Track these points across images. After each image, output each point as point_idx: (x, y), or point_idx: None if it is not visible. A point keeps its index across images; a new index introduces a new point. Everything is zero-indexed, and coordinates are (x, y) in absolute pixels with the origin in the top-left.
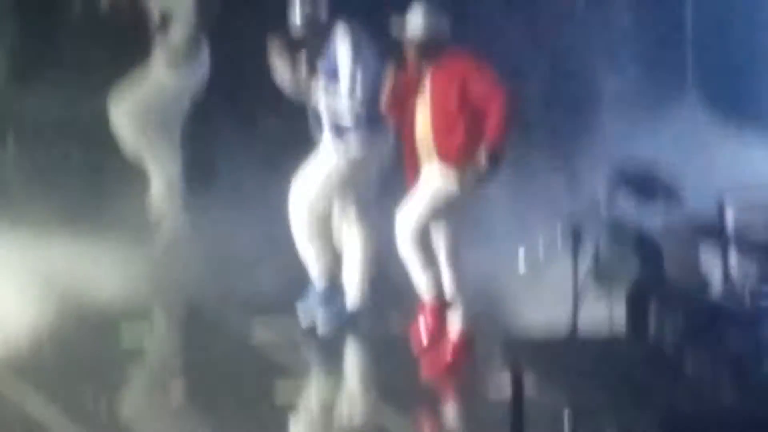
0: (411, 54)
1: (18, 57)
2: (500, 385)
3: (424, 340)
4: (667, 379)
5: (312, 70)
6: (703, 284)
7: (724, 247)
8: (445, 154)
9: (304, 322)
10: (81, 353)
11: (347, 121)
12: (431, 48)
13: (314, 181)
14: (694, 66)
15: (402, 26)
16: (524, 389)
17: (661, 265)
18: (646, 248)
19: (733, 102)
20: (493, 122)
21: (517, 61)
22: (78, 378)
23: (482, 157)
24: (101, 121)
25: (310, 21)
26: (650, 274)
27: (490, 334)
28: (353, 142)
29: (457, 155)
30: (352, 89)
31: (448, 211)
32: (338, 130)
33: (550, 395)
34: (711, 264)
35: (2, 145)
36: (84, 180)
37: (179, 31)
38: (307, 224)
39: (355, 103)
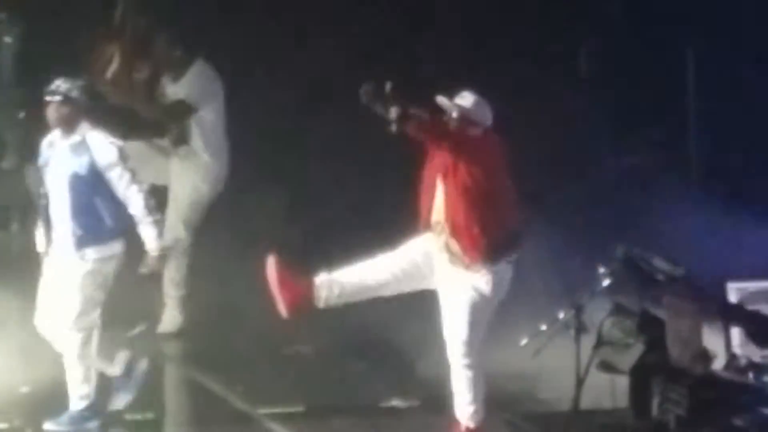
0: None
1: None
2: None
3: None
4: None
5: None
6: (706, 360)
7: (726, 323)
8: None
9: None
10: None
11: None
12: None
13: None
14: (699, 151)
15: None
16: None
17: (663, 341)
18: (650, 325)
19: (736, 189)
20: None
21: (524, 139)
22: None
23: None
24: None
25: None
26: (653, 350)
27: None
28: None
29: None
30: None
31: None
32: None
33: None
34: (714, 340)
35: None
36: None
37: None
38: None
39: None
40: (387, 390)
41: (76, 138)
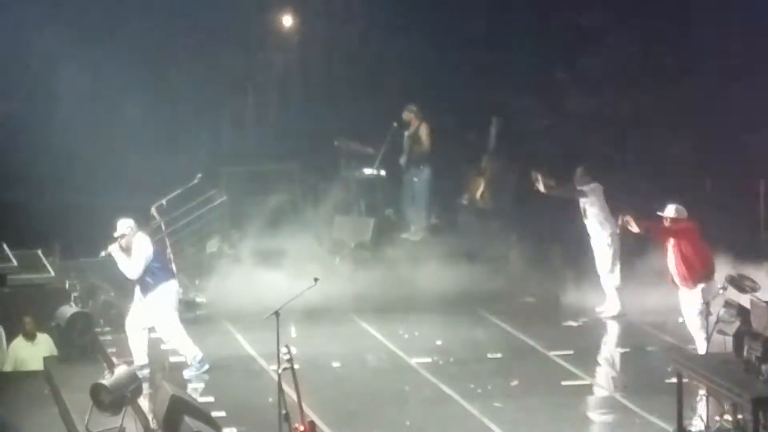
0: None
1: None
2: None
3: None
4: None
5: None
6: None
7: None
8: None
9: None
10: None
11: None
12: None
13: None
14: None
15: None
16: None
17: (749, 320)
18: (742, 311)
19: None
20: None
21: None
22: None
23: None
24: None
25: None
26: (744, 323)
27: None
28: None
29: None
30: None
31: None
32: None
33: None
34: None
35: None
36: None
37: None
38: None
39: None
40: None
41: None
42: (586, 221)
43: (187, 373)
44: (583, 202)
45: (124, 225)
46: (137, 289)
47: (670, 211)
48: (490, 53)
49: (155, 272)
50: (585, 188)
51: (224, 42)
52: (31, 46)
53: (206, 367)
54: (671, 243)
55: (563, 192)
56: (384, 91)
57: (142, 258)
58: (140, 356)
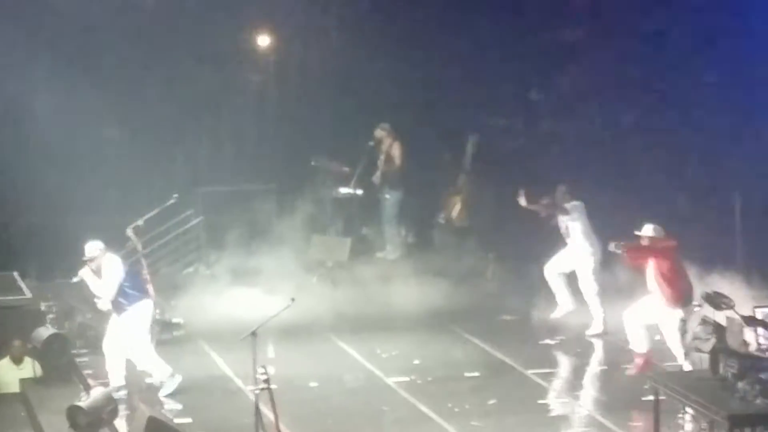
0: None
1: None
2: None
3: None
4: None
5: None
6: (745, 346)
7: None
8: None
9: None
10: None
11: None
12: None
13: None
14: None
15: None
16: None
17: (725, 337)
18: (718, 329)
19: None
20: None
21: None
22: None
23: None
24: None
25: None
26: (720, 341)
27: None
28: None
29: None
30: None
31: None
32: None
33: None
34: (749, 336)
35: None
36: None
37: None
38: None
39: None
40: None
41: None
42: (568, 240)
43: (162, 393)
44: (565, 221)
45: (93, 248)
46: (112, 310)
47: (647, 230)
48: (467, 71)
49: (128, 293)
50: (567, 206)
51: (200, 62)
52: (5, 69)
53: (179, 378)
54: (650, 264)
55: (545, 208)
56: (360, 110)
57: (114, 279)
58: (117, 378)
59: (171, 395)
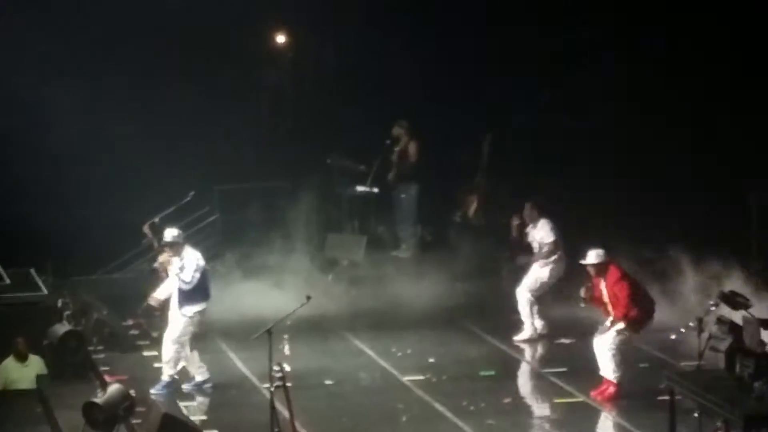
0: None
1: None
2: None
3: None
4: None
5: None
6: (762, 345)
7: None
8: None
9: None
10: None
11: None
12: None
13: None
14: None
15: None
16: None
17: (742, 336)
18: (735, 328)
19: None
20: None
21: None
22: None
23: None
24: None
25: None
26: (736, 340)
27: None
28: None
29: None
30: None
31: None
32: None
33: None
34: (765, 336)
35: None
36: None
37: None
38: None
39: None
40: None
41: None
42: (535, 252)
43: (151, 389)
44: (536, 239)
45: (172, 234)
46: (173, 301)
47: (591, 257)
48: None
49: (197, 289)
50: (536, 224)
51: (218, 59)
52: (26, 63)
53: (178, 385)
54: (602, 285)
55: (517, 229)
56: (377, 108)
57: (198, 268)
58: (201, 372)
59: (169, 395)
